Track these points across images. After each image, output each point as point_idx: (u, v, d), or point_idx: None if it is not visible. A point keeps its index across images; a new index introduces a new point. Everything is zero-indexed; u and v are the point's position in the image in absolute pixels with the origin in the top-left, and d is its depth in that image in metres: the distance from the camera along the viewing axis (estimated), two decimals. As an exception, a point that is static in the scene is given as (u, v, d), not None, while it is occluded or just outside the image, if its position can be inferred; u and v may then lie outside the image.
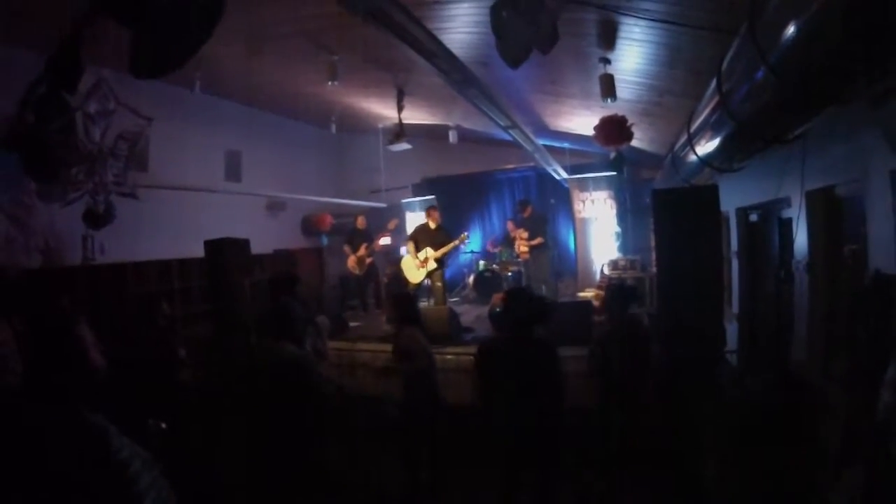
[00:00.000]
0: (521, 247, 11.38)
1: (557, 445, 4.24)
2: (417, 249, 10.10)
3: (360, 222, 12.23)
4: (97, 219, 6.81)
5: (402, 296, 6.19)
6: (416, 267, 10.14)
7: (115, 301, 7.14)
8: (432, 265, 10.04)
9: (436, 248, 9.99)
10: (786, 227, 5.87)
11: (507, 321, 4.60)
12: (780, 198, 5.55)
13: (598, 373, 4.97)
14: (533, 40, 4.31)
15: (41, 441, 1.85)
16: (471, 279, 12.73)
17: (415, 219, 14.10)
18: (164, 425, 3.69)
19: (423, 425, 5.20)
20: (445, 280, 10.70)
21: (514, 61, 4.37)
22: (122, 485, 1.88)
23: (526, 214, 11.41)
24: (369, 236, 12.06)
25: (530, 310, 4.38)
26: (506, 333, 4.61)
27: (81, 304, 6.57)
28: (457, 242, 10.20)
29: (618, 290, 5.59)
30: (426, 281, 10.27)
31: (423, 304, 11.53)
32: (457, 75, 6.12)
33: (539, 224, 11.38)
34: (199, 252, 6.79)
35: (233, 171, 11.63)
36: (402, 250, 13.75)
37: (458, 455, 5.49)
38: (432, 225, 10.26)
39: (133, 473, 1.92)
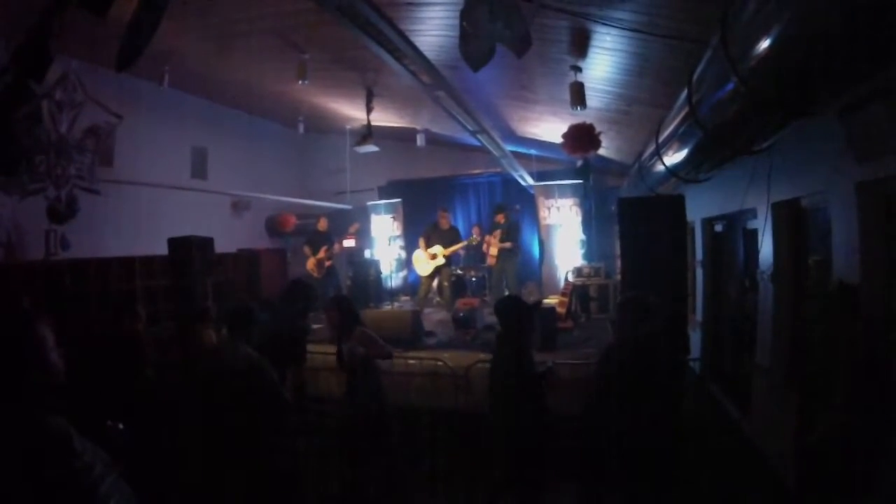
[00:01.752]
0: (492, 250, 11.42)
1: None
2: (428, 246, 11.08)
3: (322, 224, 12.13)
4: (60, 213, 6.64)
5: (338, 299, 6.09)
6: (425, 260, 11.15)
7: (77, 298, 6.95)
8: (441, 260, 11.07)
9: (446, 246, 11.04)
10: (750, 237, 5.95)
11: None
12: (745, 209, 5.63)
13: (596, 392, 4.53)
14: (506, 42, 4.29)
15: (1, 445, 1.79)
16: (435, 283, 12.72)
17: (380, 221, 14.10)
18: (121, 426, 3.61)
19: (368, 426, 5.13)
20: (452, 281, 11.67)
21: (476, 64, 4.36)
22: (80, 488, 1.84)
23: (500, 220, 11.48)
24: (330, 239, 11.95)
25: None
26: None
27: (43, 301, 6.39)
28: (465, 244, 11.35)
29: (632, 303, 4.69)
30: (435, 281, 11.43)
31: (388, 307, 11.61)
32: (426, 77, 6.11)
33: (512, 230, 11.50)
34: (163, 250, 6.66)
35: (199, 168, 11.46)
36: (367, 253, 13.83)
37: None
38: (444, 225, 11.34)
39: (95, 477, 1.87)
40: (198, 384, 4.40)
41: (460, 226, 14.38)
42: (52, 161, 6.30)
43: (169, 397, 4.68)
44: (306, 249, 11.87)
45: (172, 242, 6.48)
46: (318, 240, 11.86)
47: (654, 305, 4.41)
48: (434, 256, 11.04)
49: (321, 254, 11.65)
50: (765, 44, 2.34)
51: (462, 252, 12.12)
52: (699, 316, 7.74)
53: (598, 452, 4.32)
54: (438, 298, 11.71)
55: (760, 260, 5.41)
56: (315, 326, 9.65)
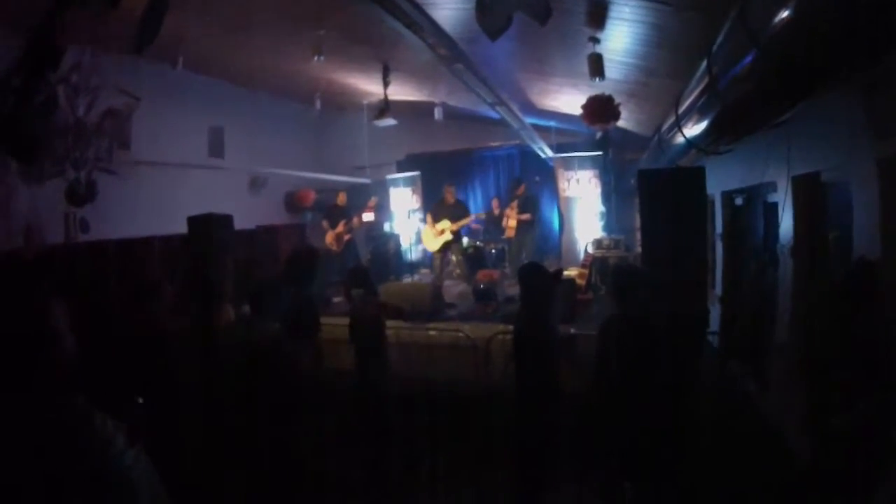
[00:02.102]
0: (510, 222, 11.44)
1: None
2: (435, 221, 11.13)
3: (341, 199, 12.17)
4: (79, 196, 6.69)
5: (355, 269, 6.13)
6: (433, 236, 11.21)
7: (97, 281, 7.02)
8: (448, 236, 11.08)
9: (453, 221, 10.98)
10: (771, 211, 5.88)
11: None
12: (765, 182, 5.56)
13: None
14: (527, 11, 4.26)
15: (31, 433, 1.83)
16: (451, 257, 12.76)
17: (399, 195, 14.08)
18: (142, 401, 3.67)
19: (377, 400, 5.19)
20: (469, 254, 11.82)
21: (494, 33, 4.32)
22: (107, 463, 1.87)
23: (519, 192, 11.64)
24: (349, 213, 11.98)
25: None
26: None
27: (63, 286, 6.46)
28: (472, 218, 11.38)
29: (620, 272, 5.05)
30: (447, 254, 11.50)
31: (407, 280, 11.67)
32: (444, 50, 6.06)
33: (530, 203, 11.69)
34: (182, 230, 6.69)
35: (216, 147, 11.49)
36: (386, 227, 13.86)
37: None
38: (450, 200, 11.28)
39: (116, 452, 1.91)
40: (220, 361, 4.45)
41: (479, 199, 14.44)
42: (71, 144, 6.35)
43: (189, 375, 4.74)
44: (325, 224, 11.92)
45: (192, 221, 6.52)
46: (336, 214, 11.90)
47: (644, 275, 4.47)
48: (441, 232, 11.08)
49: (340, 228, 11.69)
50: (784, 15, 2.30)
51: (475, 226, 12.33)
52: (718, 290, 7.69)
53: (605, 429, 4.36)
54: (458, 271, 11.74)
55: (780, 234, 5.35)
56: (335, 300, 9.76)
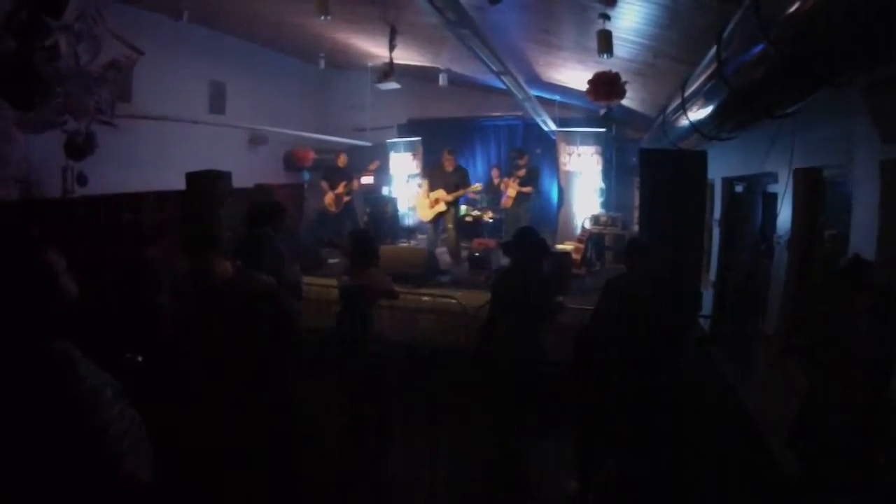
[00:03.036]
0: (510, 191, 11.41)
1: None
2: (431, 188, 10.69)
3: (342, 160, 12.11)
4: (79, 148, 6.62)
5: (356, 233, 6.10)
6: (427, 206, 10.79)
7: (94, 233, 7.01)
8: (442, 207, 10.63)
9: (448, 191, 10.53)
10: (770, 201, 5.89)
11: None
12: (766, 172, 5.56)
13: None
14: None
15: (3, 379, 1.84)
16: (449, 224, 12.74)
17: (399, 159, 14.01)
18: (139, 358, 3.70)
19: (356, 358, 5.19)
20: (468, 222, 11.72)
21: None
22: (83, 412, 1.88)
23: (522, 163, 11.53)
24: (349, 175, 11.94)
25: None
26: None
27: (59, 236, 6.45)
28: (468, 190, 10.79)
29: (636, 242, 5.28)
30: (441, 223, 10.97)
31: (403, 244, 11.68)
32: (452, 14, 5.99)
33: (533, 174, 11.64)
34: (181, 185, 6.69)
35: (217, 102, 11.34)
36: (384, 190, 13.82)
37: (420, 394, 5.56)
38: (448, 167, 10.78)
39: (98, 403, 1.91)
40: (213, 312, 4.45)
41: (479, 168, 14.34)
42: (72, 94, 6.26)
43: (183, 326, 4.75)
44: (324, 184, 11.89)
45: (190, 176, 6.52)
46: (336, 175, 11.86)
47: (656, 251, 4.56)
48: (436, 202, 10.70)
49: (339, 189, 11.67)
50: (797, 8, 2.28)
51: (473, 195, 12.05)
52: (712, 275, 7.73)
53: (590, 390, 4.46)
54: (448, 237, 11.26)
55: (778, 225, 5.37)
56: (331, 261, 9.79)
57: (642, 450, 4.20)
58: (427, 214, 10.95)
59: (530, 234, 4.99)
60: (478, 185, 11.32)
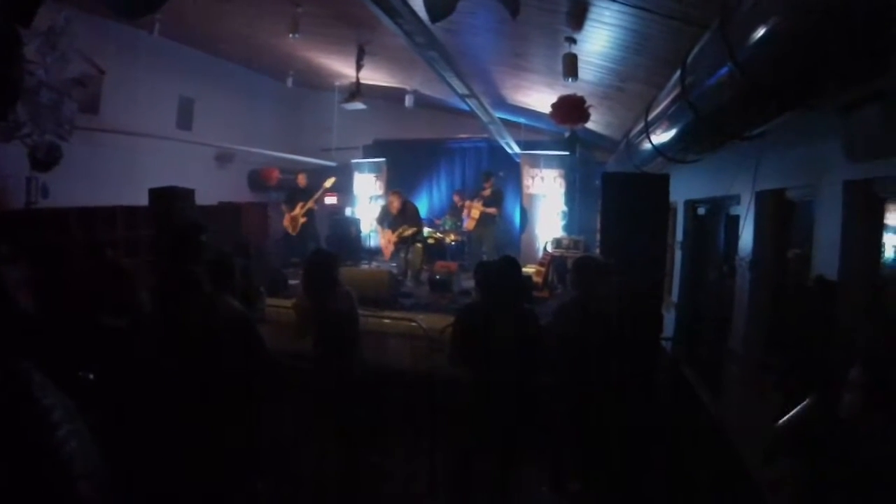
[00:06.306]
0: (473, 212, 11.42)
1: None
2: (391, 228, 10.40)
3: (301, 180, 11.89)
4: (40, 161, 6.50)
5: (316, 253, 5.94)
6: (385, 244, 10.70)
7: (57, 247, 6.84)
8: (395, 246, 10.42)
9: (398, 231, 10.22)
10: (732, 223, 5.98)
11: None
12: (730, 194, 5.66)
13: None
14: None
15: None
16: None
17: (363, 180, 14.00)
18: (91, 377, 3.60)
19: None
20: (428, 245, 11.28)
21: (435, 14, 4.29)
22: (40, 430, 1.82)
23: (488, 185, 11.52)
24: (308, 195, 11.63)
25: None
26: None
27: (20, 249, 6.28)
28: (416, 231, 10.36)
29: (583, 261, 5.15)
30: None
31: (365, 266, 11.58)
32: (420, 38, 6.03)
33: (497, 197, 11.60)
34: (146, 200, 6.57)
35: (184, 118, 11.26)
36: (348, 211, 13.76)
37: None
38: (394, 209, 10.39)
39: (54, 420, 1.86)
40: (179, 334, 4.34)
41: (443, 188, 14.44)
42: (36, 105, 6.16)
43: (147, 347, 4.63)
44: (283, 206, 11.69)
45: (153, 193, 6.42)
46: (296, 196, 11.65)
47: (608, 268, 4.55)
48: (391, 242, 10.49)
49: (296, 210, 11.50)
50: (764, 33, 2.33)
51: (437, 221, 12.14)
52: (675, 297, 7.82)
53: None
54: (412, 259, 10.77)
55: (740, 247, 5.45)
56: (292, 282, 9.65)
57: (613, 471, 4.20)
58: (388, 250, 10.79)
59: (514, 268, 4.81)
60: (432, 228, 11.57)
